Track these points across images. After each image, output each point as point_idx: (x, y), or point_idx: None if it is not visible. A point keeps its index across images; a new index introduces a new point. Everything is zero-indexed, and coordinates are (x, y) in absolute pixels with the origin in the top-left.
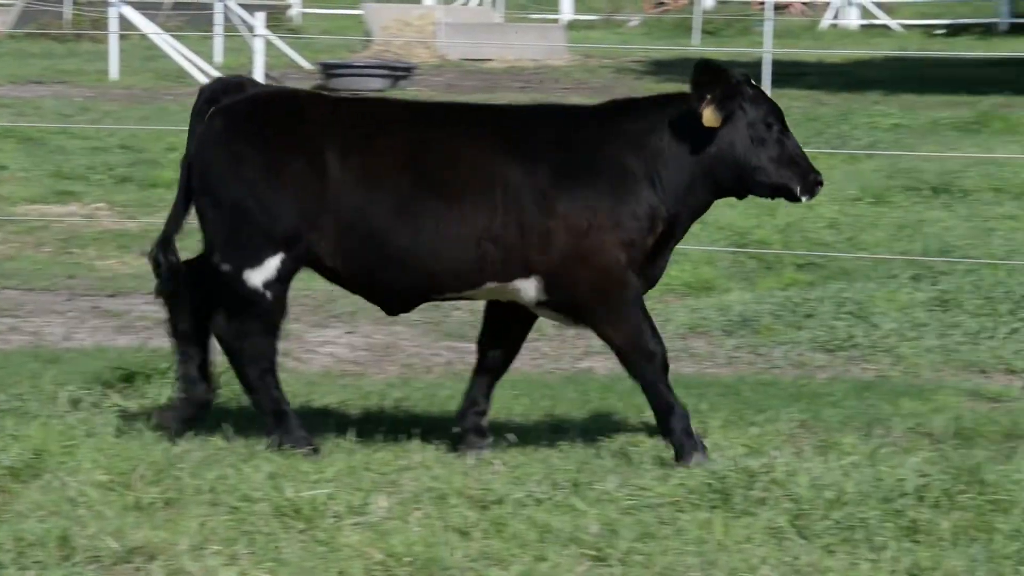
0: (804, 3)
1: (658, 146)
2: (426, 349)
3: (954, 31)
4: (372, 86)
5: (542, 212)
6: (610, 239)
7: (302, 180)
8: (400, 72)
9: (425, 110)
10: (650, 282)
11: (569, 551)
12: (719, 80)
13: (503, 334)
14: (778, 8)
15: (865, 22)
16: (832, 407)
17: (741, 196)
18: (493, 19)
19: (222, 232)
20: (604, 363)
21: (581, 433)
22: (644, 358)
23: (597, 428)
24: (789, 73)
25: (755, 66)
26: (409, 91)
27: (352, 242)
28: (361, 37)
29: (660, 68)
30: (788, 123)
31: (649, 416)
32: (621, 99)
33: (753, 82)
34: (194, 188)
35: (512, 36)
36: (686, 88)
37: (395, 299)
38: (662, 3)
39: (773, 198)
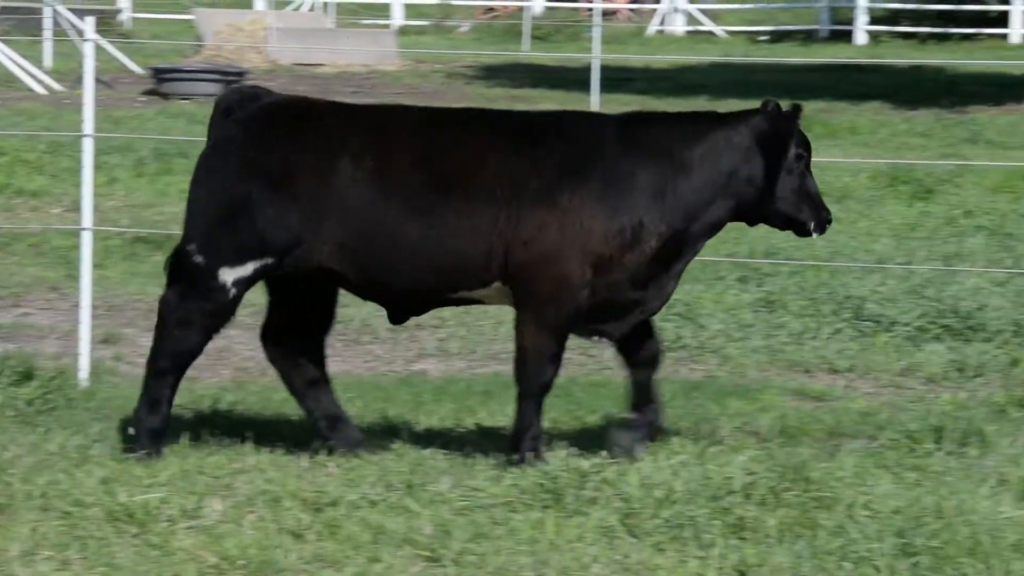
0: (631, 10)
1: (686, 160)
2: (261, 352)
3: (777, 37)
4: (203, 91)
5: (538, 207)
6: (583, 250)
7: (313, 187)
8: (232, 77)
9: (440, 116)
10: (658, 299)
11: (403, 552)
12: (791, 125)
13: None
14: (606, 15)
15: (691, 29)
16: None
17: (753, 223)
18: (324, 24)
19: (207, 226)
20: (437, 365)
21: (415, 435)
22: (539, 371)
23: (431, 430)
24: (617, 79)
25: (583, 72)
26: None
27: (365, 247)
28: (192, 42)
29: (490, 73)
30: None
31: (482, 418)
32: (669, 112)
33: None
34: (193, 179)
35: (343, 41)
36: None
37: (408, 301)
38: (492, 9)
39: (783, 229)
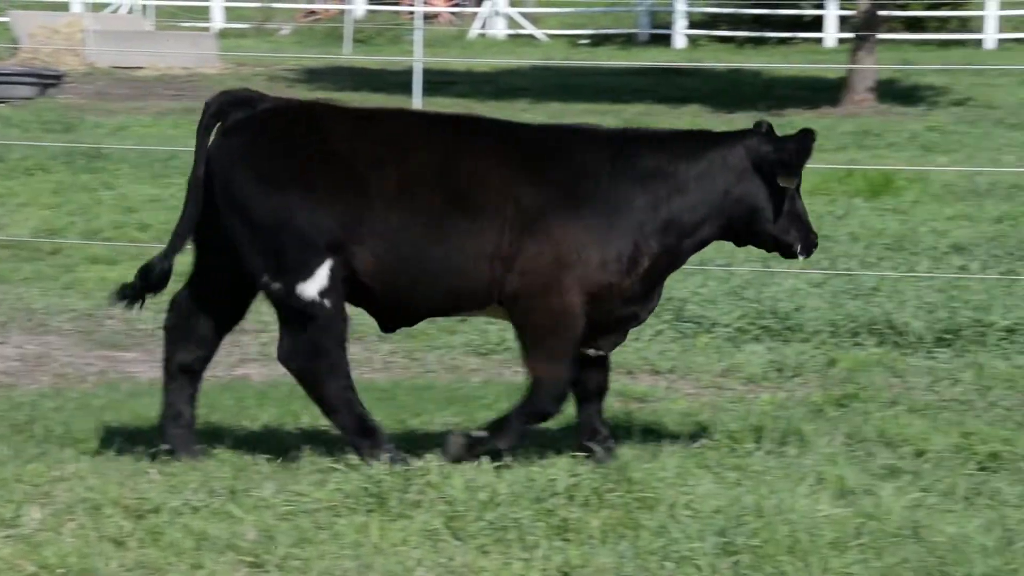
0: (452, 13)
1: (682, 180)
2: (79, 359)
3: (597, 41)
4: (20, 94)
5: (536, 234)
6: (584, 278)
7: (336, 192)
8: (49, 80)
9: (443, 123)
10: (648, 311)
11: (226, 558)
12: (808, 147)
13: None
14: (427, 18)
15: (512, 32)
16: (486, 409)
17: (740, 243)
18: (143, 27)
19: (263, 250)
20: (260, 370)
21: (238, 440)
22: (552, 401)
23: (254, 435)
24: (439, 82)
25: (405, 75)
26: (60, 99)
27: (387, 257)
28: (8, 44)
29: (312, 76)
30: None
31: (305, 423)
32: (666, 130)
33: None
34: (220, 209)
35: (163, 44)
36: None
37: (413, 315)
38: (313, 12)
39: (770, 251)
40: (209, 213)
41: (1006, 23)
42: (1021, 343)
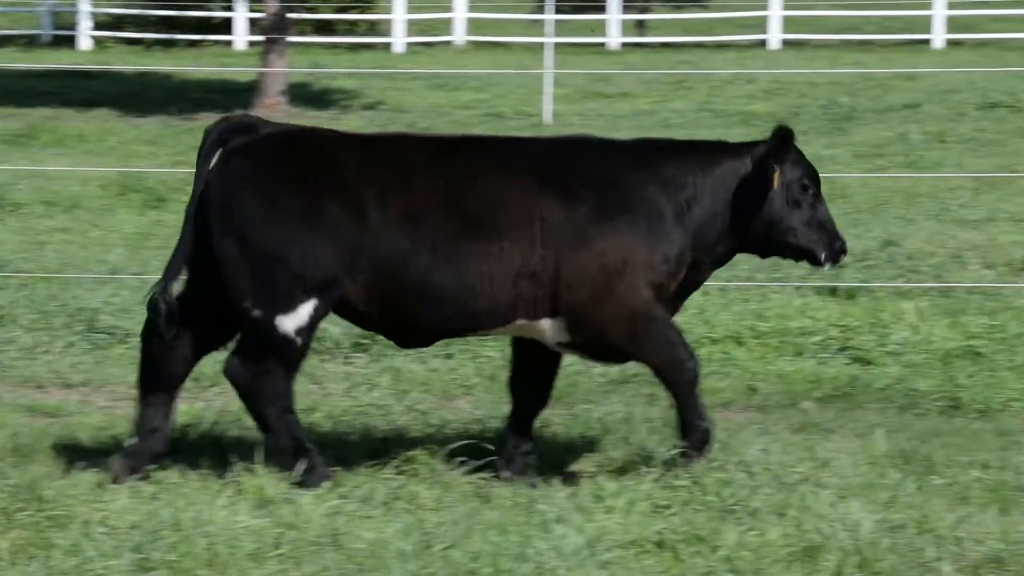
0: None
1: (697, 193)
2: None
3: None
4: None
5: (575, 250)
6: (641, 280)
7: (341, 223)
8: None
9: (454, 145)
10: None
11: None
12: (789, 144)
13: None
14: None
15: None
16: None
17: (765, 255)
18: None
19: (252, 277)
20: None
21: None
22: (678, 371)
23: None
24: None
25: None
26: None
27: (389, 285)
28: None
29: None
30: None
31: None
32: (674, 141)
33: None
34: (213, 231)
35: None
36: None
37: (425, 337)
38: None
39: (797, 260)
40: (204, 239)
41: (413, 27)
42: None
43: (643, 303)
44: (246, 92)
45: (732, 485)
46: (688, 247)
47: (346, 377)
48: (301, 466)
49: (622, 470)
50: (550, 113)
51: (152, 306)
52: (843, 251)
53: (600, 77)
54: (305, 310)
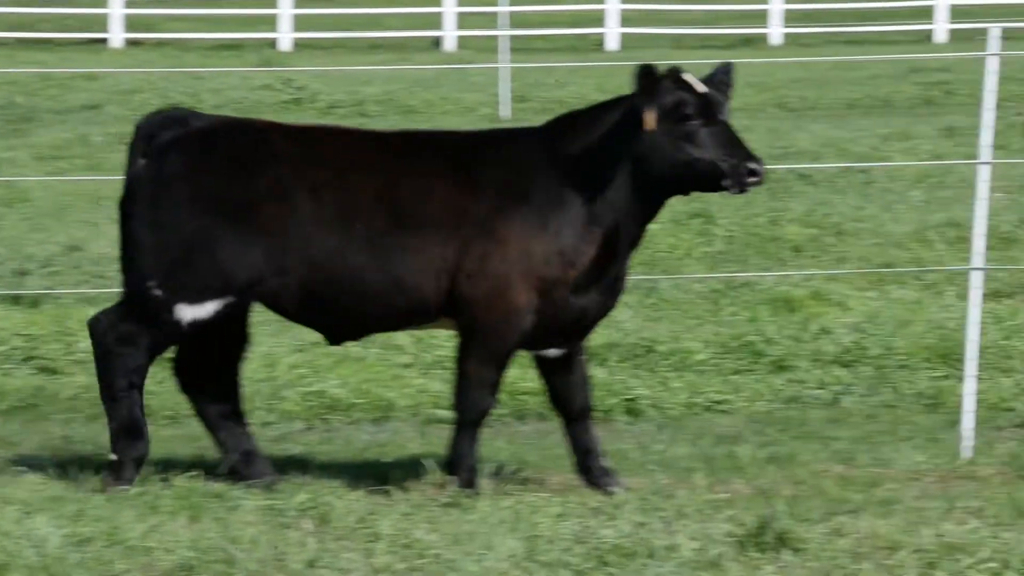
0: None
1: (596, 160)
2: None
3: None
4: None
5: (482, 242)
6: (533, 274)
7: (273, 219)
8: None
9: (385, 139)
10: (610, 293)
11: None
12: (655, 81)
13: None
14: None
15: None
16: None
17: (685, 192)
18: None
19: (166, 263)
20: None
21: None
22: (480, 399)
23: None
24: None
25: None
26: None
27: (321, 281)
28: None
29: None
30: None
31: None
32: (565, 115)
33: (682, 73)
34: (135, 219)
35: None
36: None
37: (355, 332)
38: None
39: (716, 191)
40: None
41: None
42: None
43: (525, 304)
44: None
45: None
46: (593, 226)
47: None
48: (121, 443)
49: None
50: None
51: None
52: (751, 172)
53: None
54: (212, 306)
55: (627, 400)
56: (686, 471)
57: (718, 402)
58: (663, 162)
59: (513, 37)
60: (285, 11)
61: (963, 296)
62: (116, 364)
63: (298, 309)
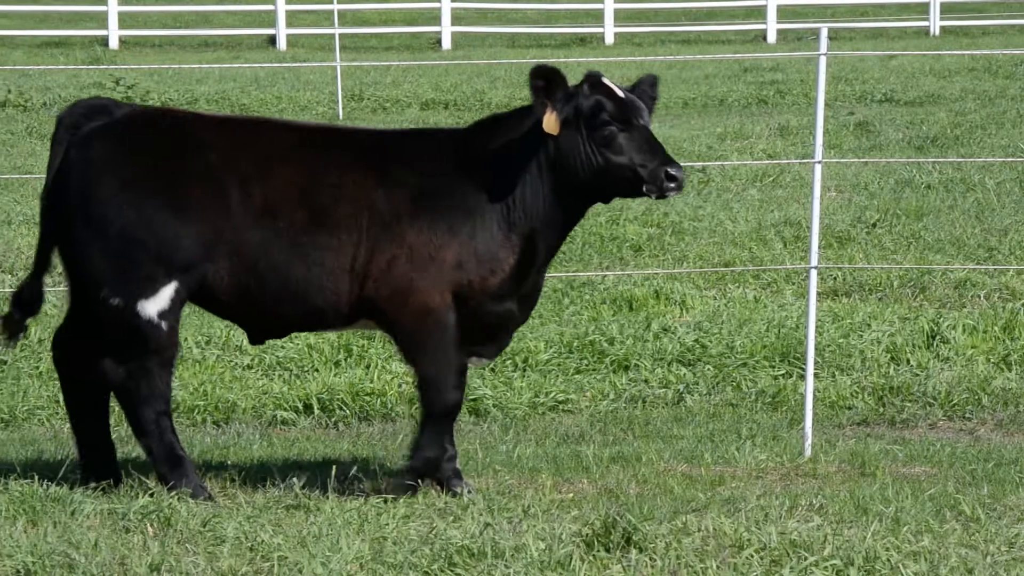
0: None
1: (514, 164)
2: None
3: None
4: None
5: (390, 246)
6: (444, 278)
7: (203, 206)
8: None
9: (309, 133)
10: (527, 301)
11: None
12: (554, 83)
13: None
14: None
15: None
16: None
17: (606, 200)
18: None
19: (109, 263)
20: None
21: None
22: (438, 396)
23: None
24: None
25: None
26: None
27: (248, 273)
28: None
29: None
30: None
31: None
32: (489, 117)
33: (602, 78)
34: (68, 219)
35: None
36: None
37: (279, 330)
38: None
39: (636, 196)
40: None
41: None
42: None
43: (440, 305)
44: None
45: None
46: (511, 232)
47: None
48: (173, 474)
49: None
50: None
51: (15, 297)
52: (669, 176)
53: None
54: (166, 293)
55: (471, 400)
56: (532, 471)
57: (562, 402)
58: (581, 168)
59: (348, 35)
60: (113, 7)
61: (801, 295)
62: (137, 398)
63: (229, 300)
